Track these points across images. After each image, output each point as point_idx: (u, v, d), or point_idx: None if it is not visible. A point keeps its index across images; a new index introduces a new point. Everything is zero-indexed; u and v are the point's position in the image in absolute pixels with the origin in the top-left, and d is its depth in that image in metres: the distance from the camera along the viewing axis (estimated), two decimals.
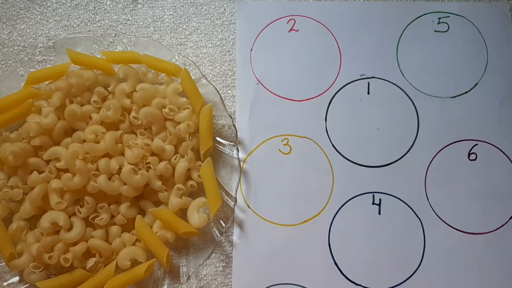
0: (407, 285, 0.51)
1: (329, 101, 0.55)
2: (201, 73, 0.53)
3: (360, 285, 0.51)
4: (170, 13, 0.57)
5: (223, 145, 0.52)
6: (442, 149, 0.54)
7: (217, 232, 0.50)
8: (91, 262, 0.48)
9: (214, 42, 0.57)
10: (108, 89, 0.52)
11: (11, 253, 0.47)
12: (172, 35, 0.57)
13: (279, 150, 0.54)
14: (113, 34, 0.53)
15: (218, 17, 0.57)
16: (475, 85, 0.56)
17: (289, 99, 0.55)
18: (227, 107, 0.55)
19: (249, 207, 0.53)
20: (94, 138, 0.49)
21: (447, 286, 0.51)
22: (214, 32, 0.57)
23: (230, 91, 0.56)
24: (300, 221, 0.52)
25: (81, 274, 0.48)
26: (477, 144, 0.54)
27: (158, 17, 0.57)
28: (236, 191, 0.50)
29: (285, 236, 0.52)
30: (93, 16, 0.57)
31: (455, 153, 0.54)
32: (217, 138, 0.53)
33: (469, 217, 0.53)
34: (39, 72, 0.51)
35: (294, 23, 0.57)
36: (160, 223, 0.49)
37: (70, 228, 0.48)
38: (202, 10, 0.58)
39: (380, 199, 0.53)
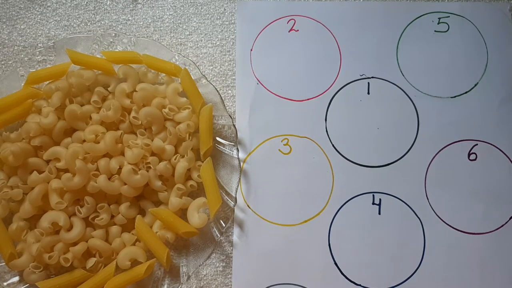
0: (407, 285, 0.51)
1: (329, 101, 0.55)
2: (201, 73, 0.53)
3: (360, 285, 0.51)
4: (170, 13, 0.57)
5: (223, 145, 0.52)
6: (442, 149, 0.54)
7: (217, 232, 0.50)
8: (91, 262, 0.48)
9: (214, 42, 0.57)
10: (108, 89, 0.52)
11: (11, 253, 0.47)
12: (172, 35, 0.57)
13: (279, 150, 0.54)
14: (113, 34, 0.53)
15: (218, 17, 0.57)
16: (475, 85, 0.56)
17: (289, 99, 0.55)
18: (227, 107, 0.55)
19: (249, 207, 0.53)
20: (94, 138, 0.49)
21: (447, 286, 0.51)
22: (214, 32, 0.57)
23: (230, 91, 0.56)
24: (300, 221, 0.52)
25: (81, 274, 0.48)
26: (477, 144, 0.54)
27: (158, 17, 0.57)
28: (236, 191, 0.50)
29: (285, 236, 0.52)
30: (93, 16, 0.57)
31: (455, 153, 0.54)
32: (217, 138, 0.53)
33: (469, 217, 0.53)
34: (39, 72, 0.51)
35: (294, 23, 0.57)
36: (160, 223, 0.49)
37: (70, 228, 0.48)
38: (202, 10, 0.58)
39: (380, 199, 0.53)
